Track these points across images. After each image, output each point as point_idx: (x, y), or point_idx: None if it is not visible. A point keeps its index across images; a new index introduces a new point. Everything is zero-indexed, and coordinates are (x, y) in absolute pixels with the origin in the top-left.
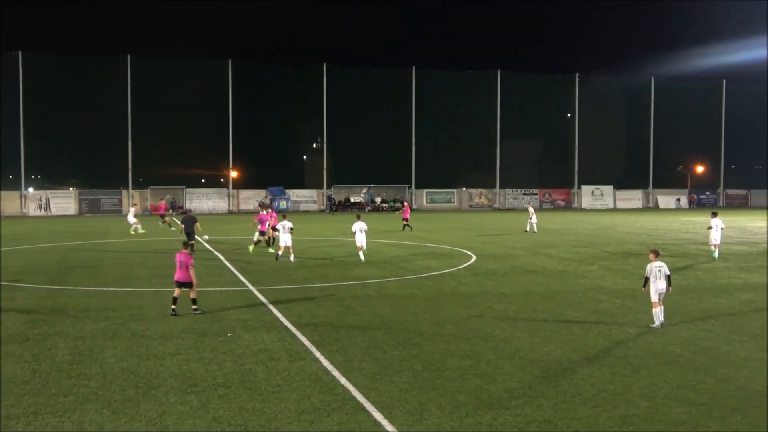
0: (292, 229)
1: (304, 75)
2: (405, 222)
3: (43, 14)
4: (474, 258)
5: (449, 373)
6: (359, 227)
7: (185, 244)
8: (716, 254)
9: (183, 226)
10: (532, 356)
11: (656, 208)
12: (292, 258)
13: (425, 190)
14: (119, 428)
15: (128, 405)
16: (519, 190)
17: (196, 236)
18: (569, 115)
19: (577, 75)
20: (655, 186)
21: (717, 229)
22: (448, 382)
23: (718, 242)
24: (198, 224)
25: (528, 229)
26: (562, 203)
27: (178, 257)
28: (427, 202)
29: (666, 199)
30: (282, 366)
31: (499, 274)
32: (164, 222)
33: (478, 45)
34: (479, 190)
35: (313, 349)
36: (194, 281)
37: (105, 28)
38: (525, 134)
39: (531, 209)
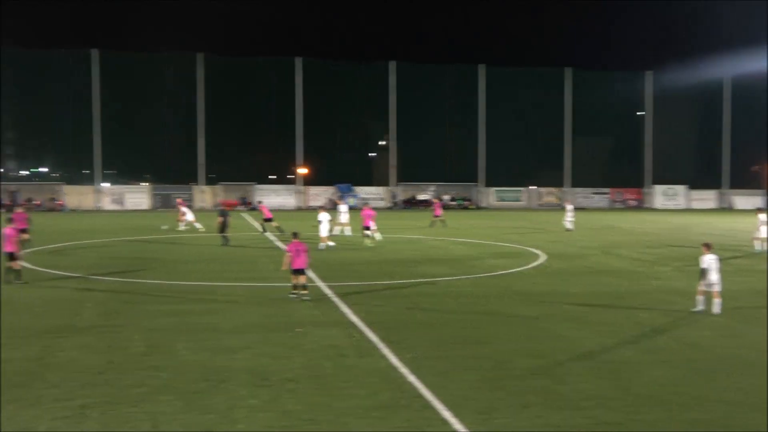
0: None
1: (373, 72)
2: (436, 218)
3: (117, 12)
4: (543, 257)
5: (518, 372)
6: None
7: (295, 235)
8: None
9: (222, 218)
10: (602, 357)
11: (731, 208)
12: (321, 245)
13: (493, 189)
14: (191, 420)
15: (200, 397)
16: (589, 189)
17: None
18: (641, 113)
19: (649, 72)
20: (730, 186)
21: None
22: (517, 381)
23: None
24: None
25: (568, 227)
26: (633, 203)
27: (293, 247)
28: (495, 201)
29: (741, 200)
30: (350, 362)
31: (568, 273)
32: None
33: (548, 42)
34: (548, 188)
35: (381, 345)
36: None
37: (177, 25)
38: (595, 132)
39: (569, 206)
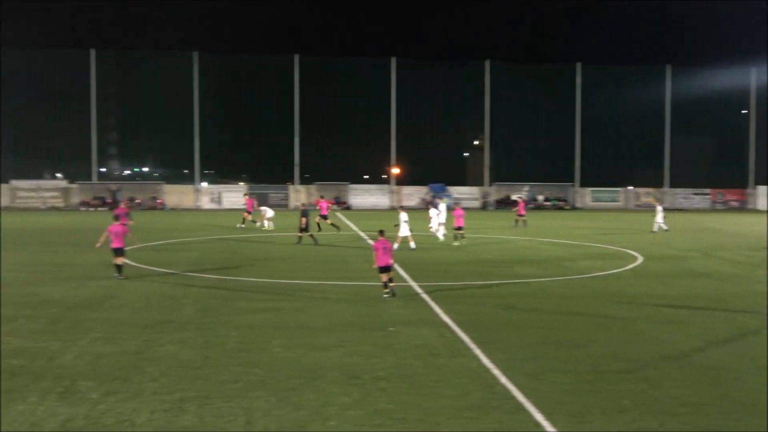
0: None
1: (467, 72)
2: (520, 217)
3: (217, 15)
4: (640, 259)
5: (613, 376)
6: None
7: (381, 233)
8: None
9: (305, 218)
10: (701, 362)
11: None
12: (396, 245)
13: (589, 189)
14: (284, 416)
15: (293, 394)
16: (689, 190)
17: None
18: (744, 111)
19: (753, 68)
20: None
21: None
22: (612, 385)
23: None
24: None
25: (655, 229)
26: (735, 204)
27: (379, 245)
28: (591, 201)
29: None
30: (442, 362)
31: (666, 276)
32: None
33: (645, 39)
34: (646, 189)
35: (473, 346)
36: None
37: (273, 27)
38: (696, 130)
39: (659, 207)
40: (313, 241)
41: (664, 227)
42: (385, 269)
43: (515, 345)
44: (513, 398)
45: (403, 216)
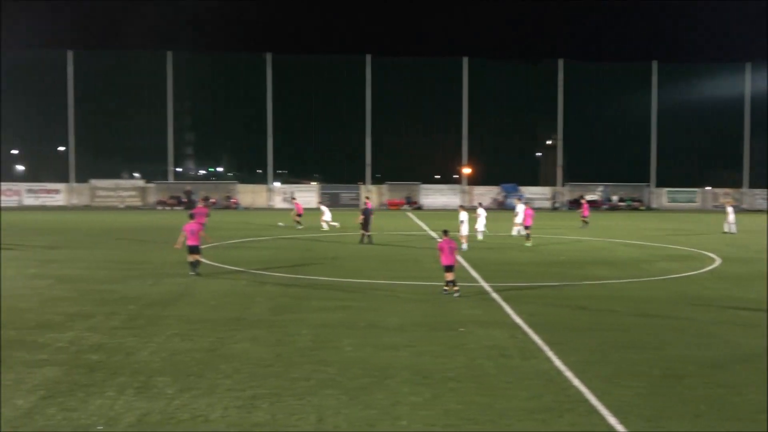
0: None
1: (540, 70)
2: (583, 219)
3: (288, 16)
4: (718, 261)
5: (689, 380)
6: (466, 217)
7: (445, 232)
8: None
9: (363, 217)
10: None
11: None
12: (464, 246)
13: (665, 189)
14: (355, 414)
15: (363, 393)
16: None
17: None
18: None
19: None
20: None
21: None
22: (688, 390)
23: None
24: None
25: (726, 230)
26: None
27: (444, 244)
28: (667, 202)
29: None
30: (513, 363)
31: (744, 278)
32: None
33: (721, 37)
34: (725, 189)
35: (545, 348)
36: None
37: (343, 27)
38: None
39: (729, 208)
40: (368, 240)
41: (733, 230)
42: (449, 268)
43: (588, 347)
44: (586, 401)
45: (463, 215)
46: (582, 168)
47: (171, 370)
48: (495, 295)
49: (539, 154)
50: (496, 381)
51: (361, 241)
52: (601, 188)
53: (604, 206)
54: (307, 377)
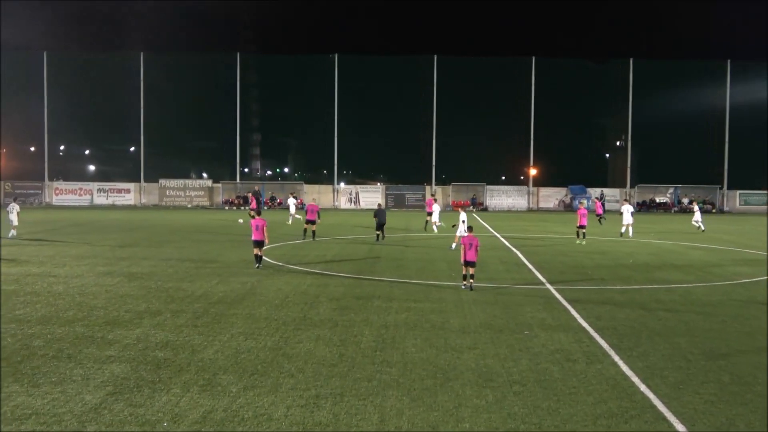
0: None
1: (609, 70)
2: (599, 216)
3: (353, 14)
4: None
5: (761, 388)
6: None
7: (470, 229)
8: None
9: (376, 218)
10: None
11: None
12: (453, 246)
13: (738, 192)
14: (417, 416)
15: (426, 394)
16: None
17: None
18: None
19: None
20: None
21: None
22: (760, 398)
23: None
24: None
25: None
26: None
27: (466, 240)
28: (740, 204)
29: None
30: (579, 368)
31: None
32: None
33: None
34: None
35: (611, 352)
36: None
37: (411, 29)
38: None
39: (696, 206)
40: (382, 238)
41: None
42: (470, 264)
43: (656, 353)
44: (653, 408)
45: (462, 215)
46: (652, 169)
47: (235, 368)
48: (561, 298)
49: (608, 155)
50: (561, 385)
51: (304, 236)
52: (671, 190)
53: (675, 209)
54: (369, 378)
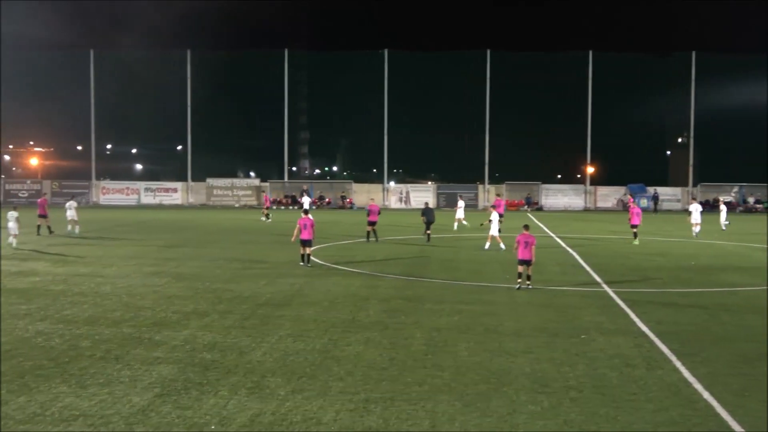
0: (490, 221)
1: (670, 64)
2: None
3: (402, 10)
4: None
5: None
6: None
7: (526, 227)
8: None
9: (424, 216)
10: None
11: None
12: (502, 245)
13: None
14: (470, 422)
15: (479, 399)
16: None
17: None
18: None
19: None
20: None
21: None
22: None
23: None
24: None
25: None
26: None
27: (521, 238)
28: None
29: None
30: (638, 373)
31: None
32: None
33: None
34: None
35: (672, 358)
36: (533, 259)
37: (461, 24)
38: None
39: (722, 205)
40: (428, 239)
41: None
42: (524, 262)
43: (719, 358)
44: (716, 416)
45: (494, 215)
46: (716, 167)
47: (283, 370)
48: (620, 302)
49: (669, 152)
50: (619, 392)
51: (368, 239)
52: (736, 189)
53: (740, 208)
54: (420, 382)
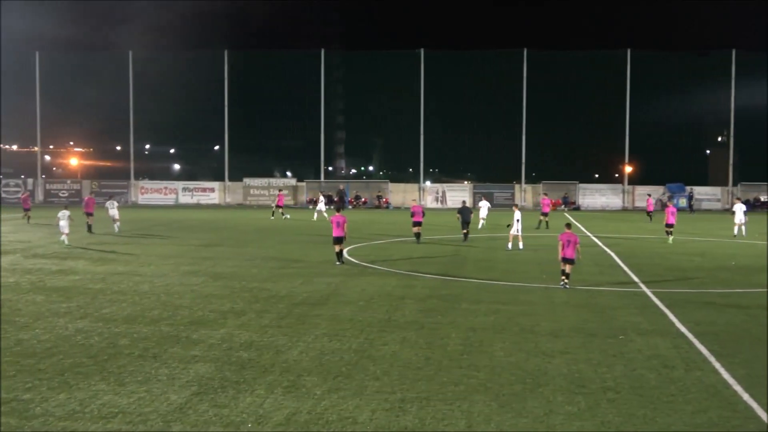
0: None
1: (709, 62)
2: (649, 214)
3: (438, 10)
4: None
5: None
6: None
7: (568, 226)
8: None
9: (460, 215)
10: None
11: None
12: (521, 245)
13: None
14: (506, 422)
15: (515, 400)
16: None
17: None
18: None
19: None
20: None
21: None
22: None
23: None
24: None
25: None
26: None
27: (564, 237)
28: None
29: None
30: (677, 375)
31: None
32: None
33: None
34: None
35: (711, 359)
36: (577, 257)
37: (500, 23)
38: None
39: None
40: (465, 238)
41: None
42: (567, 261)
43: (760, 360)
44: (757, 418)
45: (517, 214)
46: (756, 167)
47: (319, 369)
48: (658, 302)
49: (708, 151)
50: (657, 393)
51: (418, 240)
52: None
53: None
54: (456, 382)
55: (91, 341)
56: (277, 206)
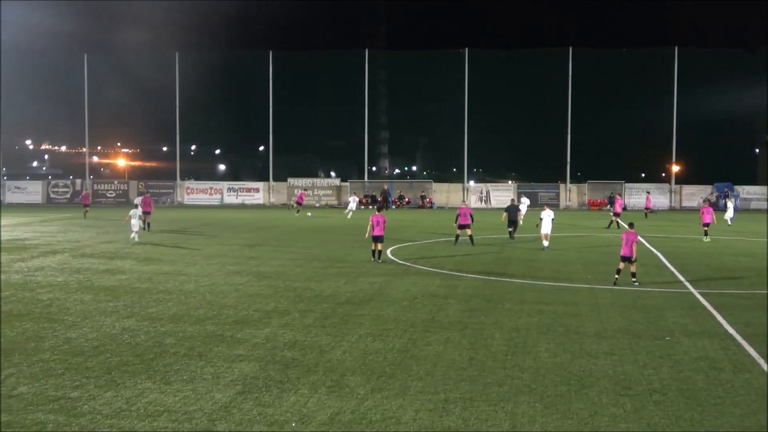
0: (553, 219)
1: (757, 59)
2: (647, 210)
3: (482, 9)
4: None
5: None
6: (547, 215)
7: (631, 225)
8: None
9: (507, 213)
10: None
11: None
12: (545, 243)
13: None
14: (550, 423)
15: (560, 401)
16: None
17: None
18: None
19: None
20: None
21: None
22: None
23: None
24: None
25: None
26: None
27: (625, 236)
28: None
29: None
30: (725, 377)
31: None
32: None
33: None
34: None
35: (761, 361)
36: (633, 256)
37: (543, 21)
38: None
39: (730, 202)
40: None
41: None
42: (624, 259)
43: None
44: None
45: (548, 213)
46: None
47: (363, 369)
48: (705, 303)
49: (758, 150)
50: (705, 395)
51: (456, 240)
52: None
53: None
54: (500, 383)
55: (137, 340)
56: (298, 203)
